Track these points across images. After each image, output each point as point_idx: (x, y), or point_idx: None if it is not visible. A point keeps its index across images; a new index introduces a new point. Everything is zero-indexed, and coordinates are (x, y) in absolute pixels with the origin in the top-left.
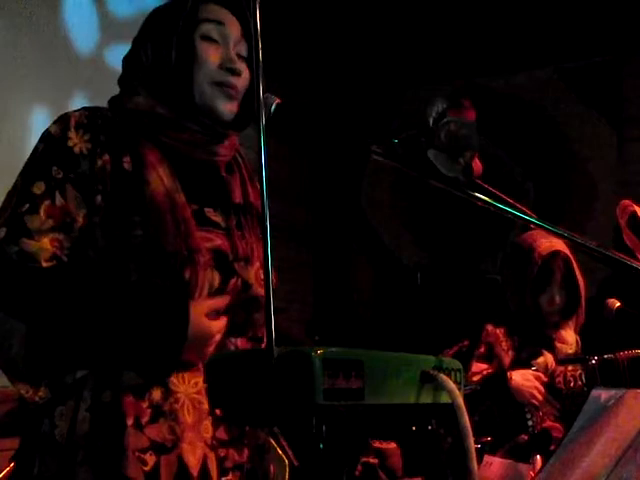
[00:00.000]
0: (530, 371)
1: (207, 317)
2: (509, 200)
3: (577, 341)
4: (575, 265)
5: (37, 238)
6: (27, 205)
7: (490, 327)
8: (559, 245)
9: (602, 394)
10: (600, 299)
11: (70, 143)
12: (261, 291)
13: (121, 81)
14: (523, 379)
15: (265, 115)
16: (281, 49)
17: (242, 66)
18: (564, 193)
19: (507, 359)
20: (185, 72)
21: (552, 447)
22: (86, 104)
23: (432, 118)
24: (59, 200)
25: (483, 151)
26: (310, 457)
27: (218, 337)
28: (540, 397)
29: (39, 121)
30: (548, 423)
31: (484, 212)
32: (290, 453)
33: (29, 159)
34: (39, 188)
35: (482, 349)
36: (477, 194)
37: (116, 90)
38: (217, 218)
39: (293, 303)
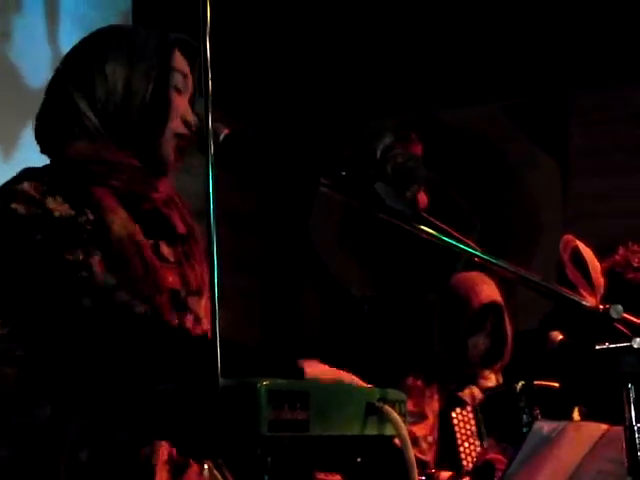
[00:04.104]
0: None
1: None
2: (454, 233)
3: (497, 380)
4: (506, 316)
5: None
6: (84, 273)
7: (410, 380)
8: (496, 295)
9: (544, 426)
10: (543, 332)
11: (56, 214)
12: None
13: (55, 105)
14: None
15: (213, 145)
16: (231, 80)
17: (192, 116)
18: (509, 227)
19: (435, 407)
20: (157, 119)
21: (495, 479)
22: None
23: (379, 151)
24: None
25: (430, 184)
26: None
27: None
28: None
29: None
30: (491, 455)
31: (430, 244)
32: None
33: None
34: (75, 255)
35: (409, 405)
36: (423, 227)
37: None
38: (167, 252)
39: (240, 332)
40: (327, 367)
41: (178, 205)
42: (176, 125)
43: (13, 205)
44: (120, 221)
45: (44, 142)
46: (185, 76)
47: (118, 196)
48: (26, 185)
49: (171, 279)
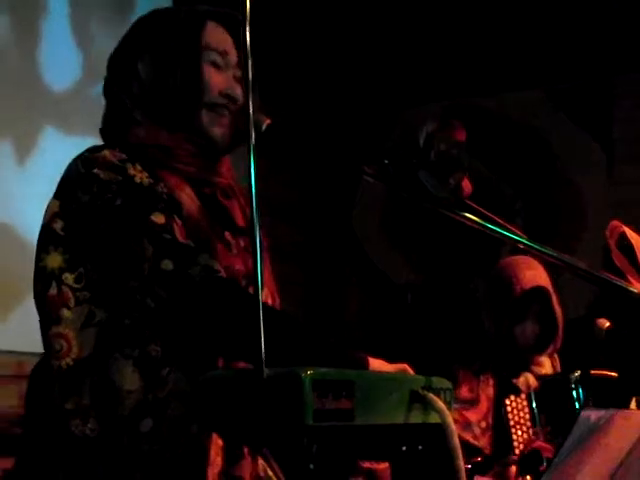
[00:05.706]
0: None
1: None
2: (499, 220)
3: (552, 365)
4: (555, 299)
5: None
6: (167, 235)
7: (462, 372)
8: (541, 279)
9: (592, 415)
10: (590, 319)
11: (137, 180)
12: None
13: (113, 102)
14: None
15: (255, 135)
16: (274, 69)
17: (240, 91)
18: (554, 213)
19: (490, 392)
20: (191, 97)
21: (542, 468)
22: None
23: (422, 138)
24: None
25: (473, 171)
26: (300, 478)
27: None
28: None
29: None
30: (538, 443)
31: (474, 231)
32: (280, 474)
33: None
34: (158, 218)
35: (464, 391)
36: (467, 214)
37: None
38: (232, 242)
39: None
40: (388, 364)
41: (237, 195)
42: (214, 98)
43: (95, 170)
44: (189, 199)
45: (109, 130)
46: (223, 53)
47: (182, 177)
48: (107, 152)
49: (237, 267)
